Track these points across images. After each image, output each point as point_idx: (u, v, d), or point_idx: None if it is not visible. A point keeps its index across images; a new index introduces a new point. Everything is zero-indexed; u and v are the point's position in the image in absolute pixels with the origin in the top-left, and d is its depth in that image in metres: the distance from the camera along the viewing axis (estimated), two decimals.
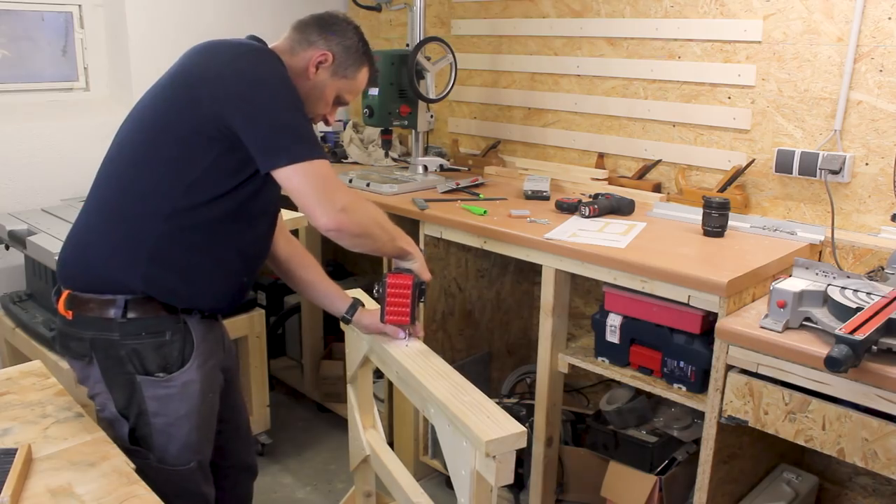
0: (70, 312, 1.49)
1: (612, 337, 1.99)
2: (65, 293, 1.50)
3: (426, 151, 2.83)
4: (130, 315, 1.46)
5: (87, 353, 1.49)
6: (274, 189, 1.52)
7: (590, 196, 2.33)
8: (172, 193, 1.44)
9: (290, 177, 1.39)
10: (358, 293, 1.90)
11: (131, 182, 1.47)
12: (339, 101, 1.63)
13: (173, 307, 1.49)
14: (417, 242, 2.36)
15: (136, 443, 1.53)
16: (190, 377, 1.52)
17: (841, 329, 1.38)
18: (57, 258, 1.58)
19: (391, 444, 2.53)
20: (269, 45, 1.55)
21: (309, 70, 1.55)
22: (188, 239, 1.46)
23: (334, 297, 1.71)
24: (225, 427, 1.73)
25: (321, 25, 1.58)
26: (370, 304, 1.78)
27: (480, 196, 2.46)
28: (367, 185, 2.54)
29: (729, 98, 2.26)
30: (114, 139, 1.55)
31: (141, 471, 1.48)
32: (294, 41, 1.57)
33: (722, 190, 2.24)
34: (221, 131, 1.40)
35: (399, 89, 2.54)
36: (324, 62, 1.56)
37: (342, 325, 1.75)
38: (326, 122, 1.65)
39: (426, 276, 1.62)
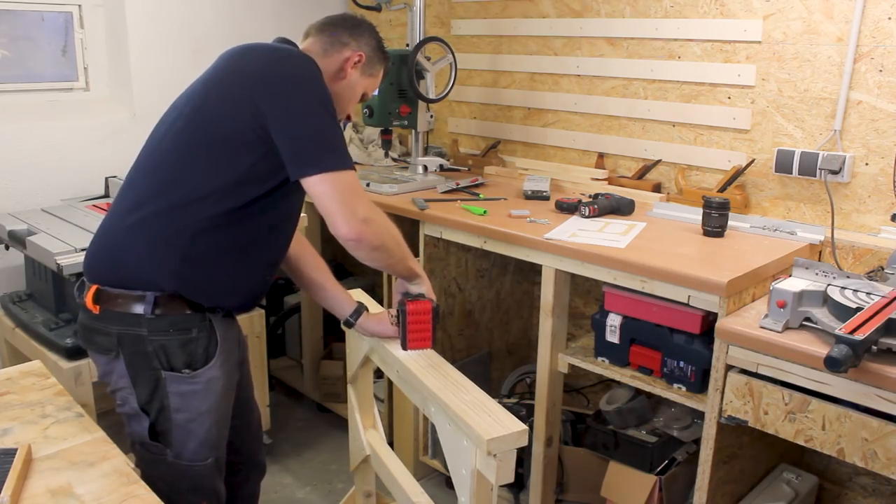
0: (98, 307, 1.50)
1: (612, 337, 1.99)
2: (93, 288, 1.51)
3: (426, 151, 2.83)
4: (158, 311, 1.48)
5: (114, 348, 1.51)
6: (301, 194, 1.55)
7: (590, 196, 2.33)
8: (207, 197, 1.45)
9: (316, 184, 1.41)
10: (358, 293, 1.90)
11: (165, 184, 1.48)
12: (361, 99, 1.70)
13: (199, 305, 1.51)
14: (417, 242, 2.37)
15: (154, 438, 1.54)
16: (214, 374, 1.54)
17: (841, 329, 1.38)
18: (84, 254, 1.59)
19: (391, 444, 2.53)
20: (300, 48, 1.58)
21: (346, 70, 1.61)
22: (219, 240, 1.48)
23: (340, 300, 1.73)
24: (237, 423, 1.74)
25: (349, 27, 1.63)
26: (373, 307, 1.78)
27: (480, 196, 2.46)
28: (367, 185, 2.54)
29: (729, 98, 2.26)
30: (146, 143, 1.57)
31: (155, 466, 1.53)
32: (325, 43, 1.60)
33: (722, 190, 2.24)
34: (259, 135, 1.42)
35: (399, 89, 2.54)
36: (359, 62, 1.62)
37: (343, 327, 1.75)
38: (349, 119, 1.71)
39: (433, 298, 1.65)
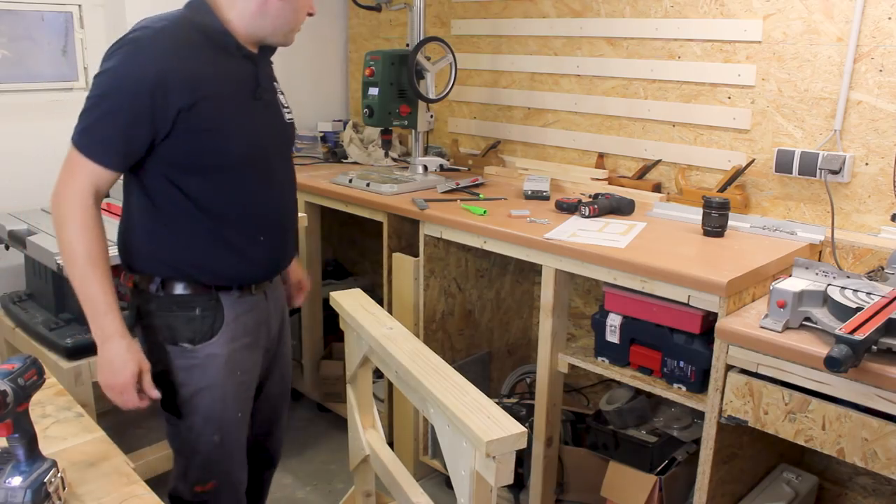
0: (129, 282, 1.60)
1: (612, 337, 1.99)
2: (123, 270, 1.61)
3: (426, 151, 2.83)
4: (165, 291, 1.55)
5: (134, 320, 1.60)
6: (222, 142, 1.49)
7: (590, 196, 2.33)
8: (136, 181, 1.52)
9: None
10: (357, 293, 1.90)
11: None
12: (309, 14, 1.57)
13: (207, 284, 1.56)
14: (417, 242, 2.37)
15: (170, 409, 1.60)
16: (214, 350, 1.57)
17: (841, 329, 1.38)
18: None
19: (391, 444, 2.53)
20: None
21: None
22: (165, 218, 1.53)
23: None
24: (260, 417, 1.80)
25: None
26: (370, 304, 1.78)
27: (480, 196, 2.46)
28: (367, 185, 2.54)
29: (729, 98, 2.26)
30: None
31: (174, 438, 1.63)
32: None
33: (722, 190, 2.24)
34: None
35: (399, 89, 2.54)
36: None
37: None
38: (310, 14, 1.59)
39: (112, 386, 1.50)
